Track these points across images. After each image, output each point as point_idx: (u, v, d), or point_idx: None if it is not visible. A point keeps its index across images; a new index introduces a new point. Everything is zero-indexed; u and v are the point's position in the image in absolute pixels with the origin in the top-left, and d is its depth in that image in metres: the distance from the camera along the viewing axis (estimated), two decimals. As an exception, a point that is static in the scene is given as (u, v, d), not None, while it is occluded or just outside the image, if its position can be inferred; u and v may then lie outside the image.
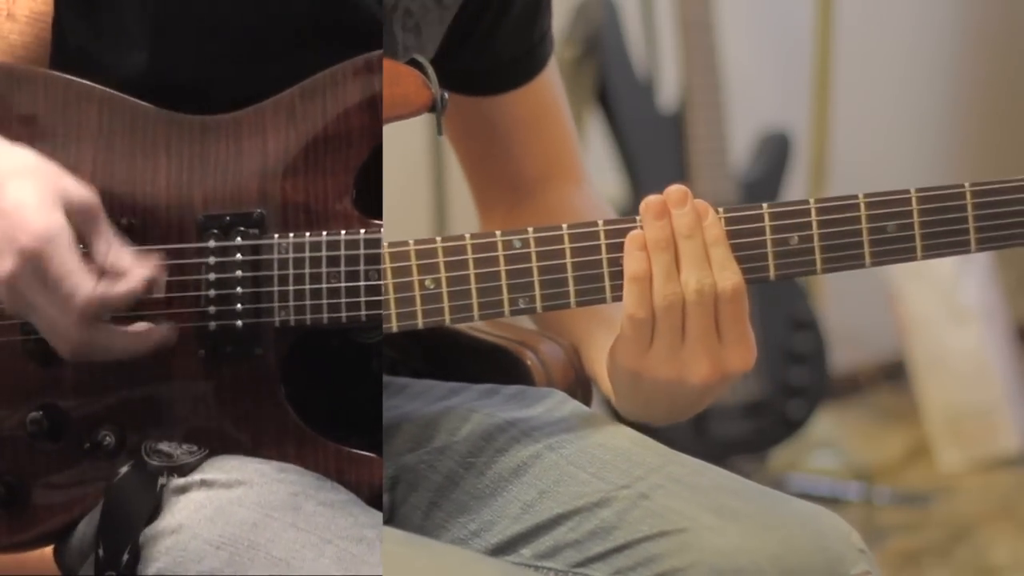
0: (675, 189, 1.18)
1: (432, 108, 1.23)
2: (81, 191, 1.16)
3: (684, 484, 1.19)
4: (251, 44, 1.22)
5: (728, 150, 2.85)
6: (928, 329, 3.21)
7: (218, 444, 1.19)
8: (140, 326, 1.16)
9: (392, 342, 1.39)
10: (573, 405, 1.30)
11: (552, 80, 1.41)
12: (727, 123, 2.85)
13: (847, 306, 3.34)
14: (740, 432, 2.84)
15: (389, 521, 1.26)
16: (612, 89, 2.79)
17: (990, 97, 3.84)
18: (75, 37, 1.26)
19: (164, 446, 1.18)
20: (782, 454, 3.01)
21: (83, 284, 1.13)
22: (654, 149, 2.83)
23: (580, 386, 1.40)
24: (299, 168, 1.20)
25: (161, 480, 1.16)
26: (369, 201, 1.20)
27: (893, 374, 3.54)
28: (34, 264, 1.12)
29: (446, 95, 1.23)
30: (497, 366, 1.39)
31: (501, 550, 1.22)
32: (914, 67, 3.71)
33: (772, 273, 1.20)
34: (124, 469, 1.18)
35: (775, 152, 2.96)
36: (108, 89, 1.22)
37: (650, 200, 1.18)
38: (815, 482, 3.00)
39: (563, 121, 1.42)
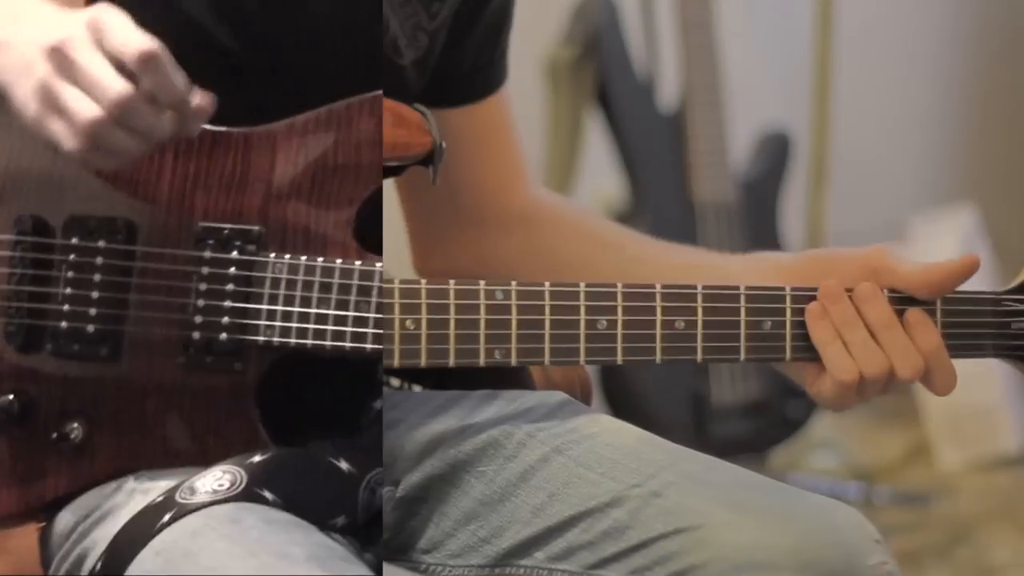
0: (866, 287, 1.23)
1: (430, 155, 1.23)
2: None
3: (696, 480, 1.19)
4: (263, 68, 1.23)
5: (728, 150, 2.85)
6: (928, 329, 3.20)
7: (186, 452, 1.20)
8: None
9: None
10: (575, 406, 1.30)
11: (507, 102, 1.41)
12: (727, 123, 2.85)
13: (847, 306, 3.33)
14: (740, 432, 2.84)
15: (396, 536, 1.26)
16: (612, 89, 2.79)
17: (990, 97, 3.84)
18: None
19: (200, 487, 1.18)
20: (782, 454, 3.01)
21: (116, 81, 1.09)
22: (654, 149, 2.83)
23: (580, 386, 1.40)
24: (304, 192, 1.20)
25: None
26: (368, 234, 1.20)
27: (893, 374, 3.53)
28: (60, 58, 1.10)
29: (444, 144, 1.23)
30: (497, 370, 1.38)
31: (513, 554, 1.21)
32: (914, 67, 3.71)
33: (743, 355, 1.23)
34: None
35: (775, 152, 2.96)
36: None
37: (828, 286, 1.22)
38: (815, 482, 3.00)
39: (517, 141, 1.42)
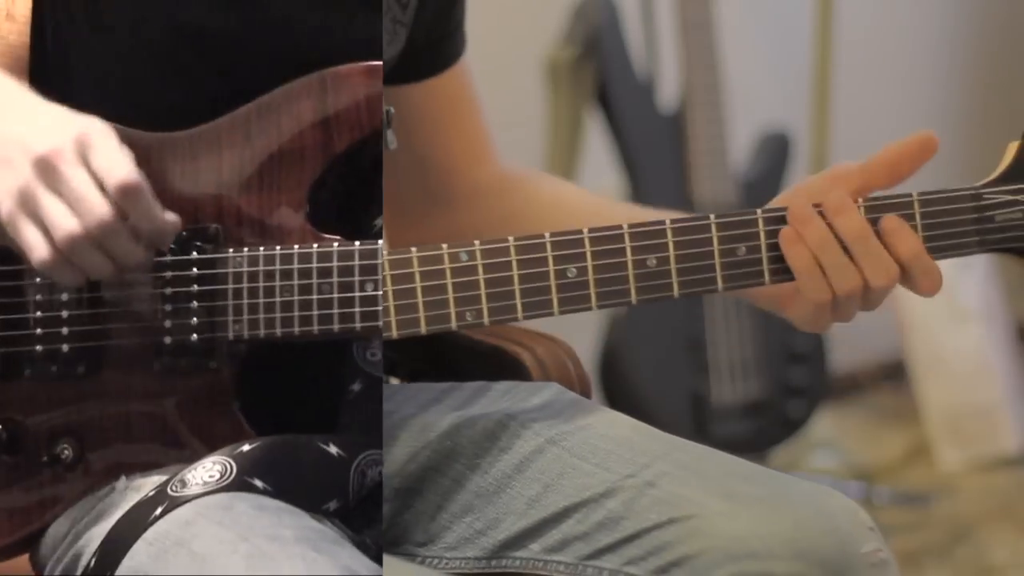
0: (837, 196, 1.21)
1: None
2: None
3: (690, 470, 1.19)
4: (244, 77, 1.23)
5: (728, 150, 2.85)
6: (928, 329, 3.21)
7: (174, 455, 1.20)
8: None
9: (391, 343, 1.39)
10: (570, 396, 1.30)
11: (467, 74, 1.40)
12: (727, 123, 2.85)
13: (847, 306, 3.34)
14: (740, 432, 2.84)
15: (392, 529, 1.26)
16: (612, 89, 2.79)
17: (990, 97, 3.84)
18: (57, 37, 1.26)
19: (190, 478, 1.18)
20: (782, 454, 3.01)
21: (100, 202, 1.12)
22: (654, 149, 2.83)
23: (580, 385, 1.40)
24: (254, 184, 1.21)
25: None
26: (323, 216, 1.21)
27: (893, 374, 3.53)
28: (47, 169, 1.12)
29: (392, 110, 1.24)
30: (496, 366, 1.39)
31: (508, 546, 1.22)
32: (914, 67, 3.71)
33: (720, 285, 1.21)
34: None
35: (775, 152, 2.96)
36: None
37: (796, 206, 1.21)
38: (815, 482, 3.00)
39: (480, 114, 1.42)
